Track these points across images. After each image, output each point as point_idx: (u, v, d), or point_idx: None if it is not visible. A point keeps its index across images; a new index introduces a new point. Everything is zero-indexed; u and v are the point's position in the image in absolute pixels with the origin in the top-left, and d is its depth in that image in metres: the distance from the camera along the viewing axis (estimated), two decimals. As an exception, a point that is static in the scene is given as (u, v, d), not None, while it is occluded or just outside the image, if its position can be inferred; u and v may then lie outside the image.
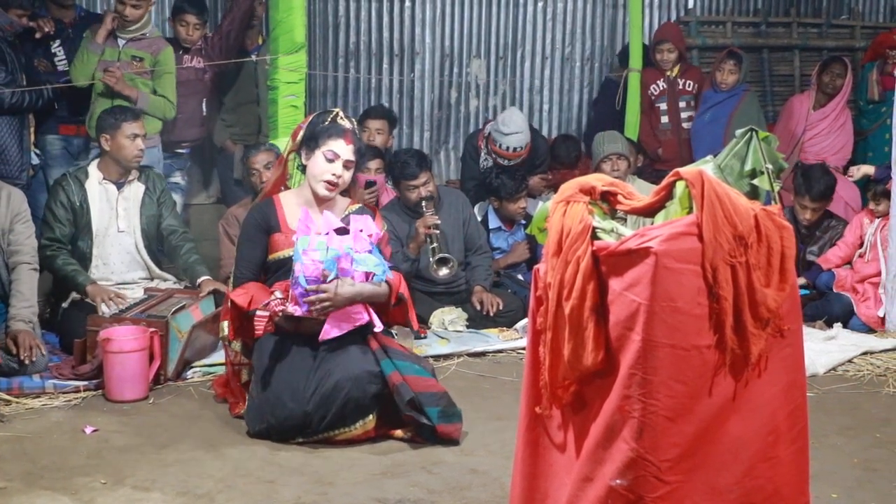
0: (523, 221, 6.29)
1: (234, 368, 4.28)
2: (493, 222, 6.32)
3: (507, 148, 6.39)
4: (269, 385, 3.98)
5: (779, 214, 2.62)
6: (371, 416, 3.94)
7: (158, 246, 5.52)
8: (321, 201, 4.23)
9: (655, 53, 7.20)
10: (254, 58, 6.43)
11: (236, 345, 4.23)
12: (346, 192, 4.34)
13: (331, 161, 4.16)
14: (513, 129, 6.44)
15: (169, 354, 4.67)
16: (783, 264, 2.57)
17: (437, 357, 5.15)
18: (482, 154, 6.65)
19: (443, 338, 5.47)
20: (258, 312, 4.02)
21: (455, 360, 5.20)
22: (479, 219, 6.26)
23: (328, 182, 4.18)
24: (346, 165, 4.19)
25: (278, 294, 4.01)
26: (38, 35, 5.76)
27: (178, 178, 6.30)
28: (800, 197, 6.11)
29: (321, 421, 3.90)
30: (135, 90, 5.74)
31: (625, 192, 2.74)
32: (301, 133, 4.27)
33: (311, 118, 4.32)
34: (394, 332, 4.37)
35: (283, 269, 4.12)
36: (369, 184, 5.84)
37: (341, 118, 4.25)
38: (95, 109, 5.70)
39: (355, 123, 4.36)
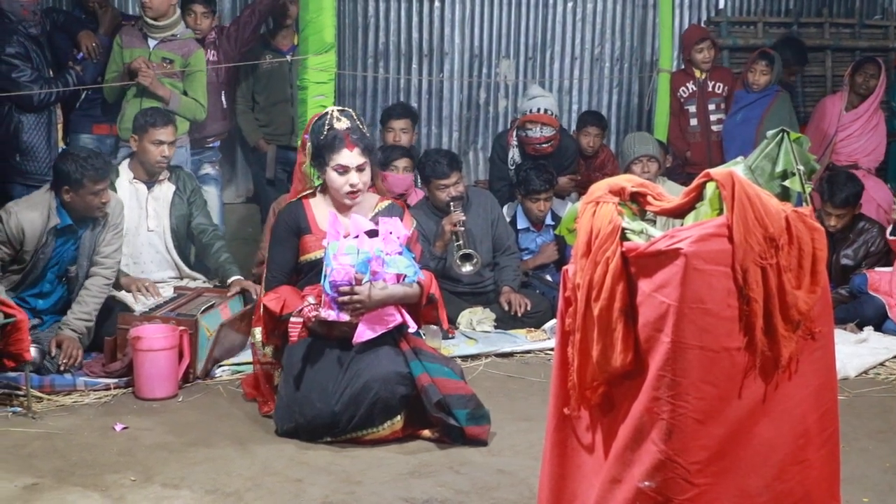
0: (552, 222, 6.28)
1: (265, 370, 4.29)
2: (522, 223, 6.31)
3: (538, 110, 6.39)
4: (298, 385, 4.00)
5: (810, 216, 2.60)
6: (399, 417, 3.95)
7: (190, 244, 5.55)
8: (348, 206, 4.23)
9: (695, 53, 7.15)
10: (289, 58, 6.43)
11: (269, 349, 4.24)
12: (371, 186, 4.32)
13: (343, 174, 4.16)
14: (538, 93, 6.53)
15: (198, 353, 4.71)
16: (814, 266, 2.55)
17: (464, 357, 5.15)
18: (510, 151, 6.65)
19: (471, 338, 5.47)
20: (292, 319, 4.03)
21: (483, 360, 5.20)
22: (508, 219, 6.26)
23: (349, 194, 4.18)
24: (359, 169, 4.17)
25: (311, 300, 4.02)
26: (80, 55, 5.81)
27: (209, 169, 6.27)
28: (824, 203, 6.05)
29: (349, 421, 3.92)
30: (168, 90, 5.76)
31: (654, 193, 2.73)
32: (308, 148, 4.24)
33: (310, 126, 4.24)
34: (422, 332, 4.37)
35: (315, 270, 4.13)
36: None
37: (337, 119, 4.17)
38: (126, 109, 5.73)
39: (355, 116, 4.24)
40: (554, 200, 6.35)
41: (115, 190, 5.22)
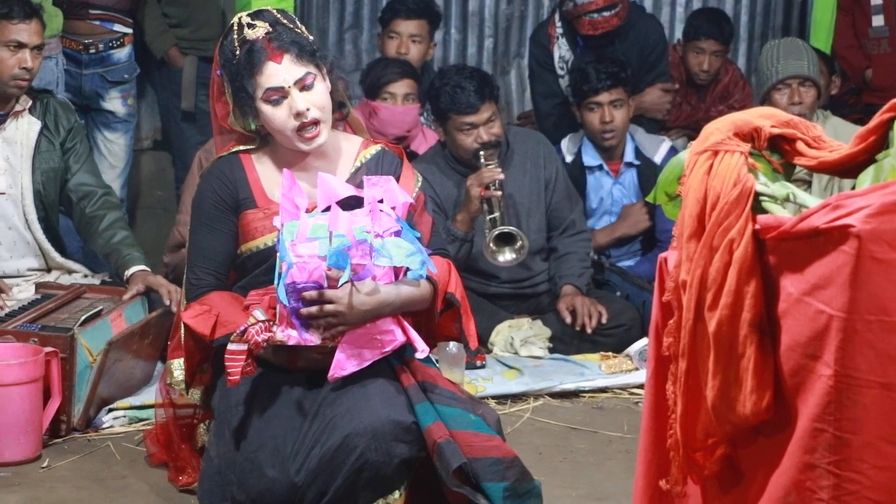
0: (636, 161, 6.27)
1: (181, 421, 4.33)
2: (591, 157, 6.32)
3: None
4: (238, 444, 4.01)
5: None
6: (398, 494, 3.96)
7: (64, 216, 5.58)
8: (307, 155, 4.22)
9: None
10: None
11: (195, 393, 4.28)
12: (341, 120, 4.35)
13: (279, 102, 4.13)
14: None
15: (75, 390, 4.74)
16: None
17: (502, 398, 5.19)
18: (555, 48, 6.66)
19: (512, 367, 5.49)
20: (231, 346, 4.02)
21: (531, 402, 5.24)
22: (570, 158, 6.26)
23: (300, 133, 4.14)
24: (303, 87, 4.14)
25: (259, 314, 4.02)
26: None
27: (116, 102, 6.32)
28: None
29: (319, 499, 3.93)
30: None
31: (809, 137, 2.73)
32: (225, 88, 4.21)
33: (217, 54, 4.25)
34: (435, 357, 4.38)
35: (265, 265, 4.15)
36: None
37: (249, 28, 4.13)
38: None
39: (276, 13, 4.24)
40: (638, 133, 6.36)
41: None
